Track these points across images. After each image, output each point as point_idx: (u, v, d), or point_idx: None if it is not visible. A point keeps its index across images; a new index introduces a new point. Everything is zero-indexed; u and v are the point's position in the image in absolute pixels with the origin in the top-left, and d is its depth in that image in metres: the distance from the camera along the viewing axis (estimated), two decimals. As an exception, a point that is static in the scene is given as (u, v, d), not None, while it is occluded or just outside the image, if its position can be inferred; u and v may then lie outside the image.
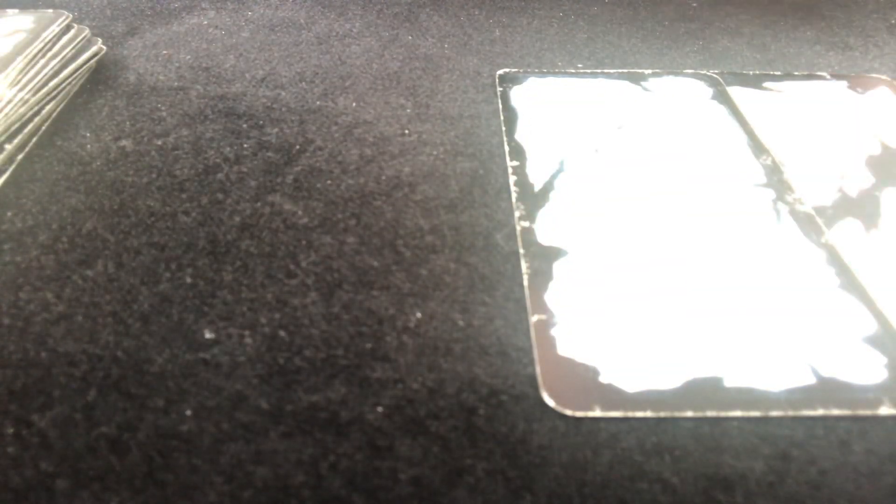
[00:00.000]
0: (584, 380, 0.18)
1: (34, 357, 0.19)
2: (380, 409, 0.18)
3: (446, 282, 0.21)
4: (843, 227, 0.23)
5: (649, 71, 0.32)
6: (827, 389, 0.18)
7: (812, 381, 0.19)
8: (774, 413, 0.18)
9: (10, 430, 0.17)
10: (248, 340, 0.19)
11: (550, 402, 0.18)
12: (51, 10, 0.31)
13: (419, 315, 0.20)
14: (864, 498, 0.16)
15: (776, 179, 0.25)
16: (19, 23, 0.30)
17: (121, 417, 0.17)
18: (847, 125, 0.29)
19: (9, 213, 0.23)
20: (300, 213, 0.23)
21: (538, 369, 0.19)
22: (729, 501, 0.16)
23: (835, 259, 0.22)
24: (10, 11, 0.31)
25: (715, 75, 0.32)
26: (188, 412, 0.18)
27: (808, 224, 0.23)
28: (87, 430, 0.17)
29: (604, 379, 0.18)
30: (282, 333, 0.20)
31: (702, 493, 0.16)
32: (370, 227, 0.23)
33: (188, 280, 0.21)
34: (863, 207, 0.24)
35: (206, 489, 0.16)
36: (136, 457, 0.17)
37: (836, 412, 0.18)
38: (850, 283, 0.21)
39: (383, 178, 0.25)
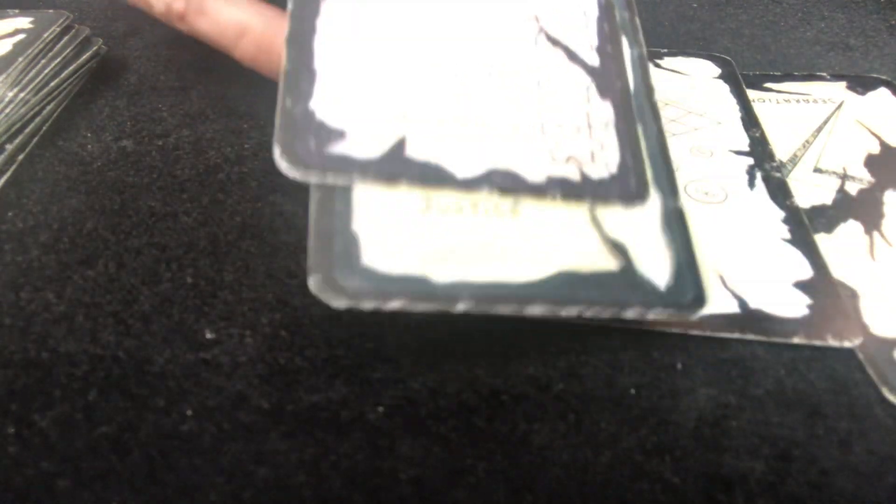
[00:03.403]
0: None
1: (35, 357, 0.19)
2: (381, 408, 0.18)
3: (447, 282, 0.21)
4: (843, 228, 0.23)
5: (664, 49, 0.33)
6: (749, 318, 0.20)
7: (737, 310, 0.20)
8: (694, 332, 0.20)
9: (11, 430, 0.17)
10: (249, 340, 0.19)
11: None
12: (51, 11, 0.31)
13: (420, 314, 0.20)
14: (865, 498, 0.16)
15: (759, 149, 0.26)
16: (19, 23, 0.30)
17: (122, 417, 0.18)
18: (847, 125, 0.29)
19: (10, 214, 0.23)
20: (301, 213, 0.23)
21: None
22: (729, 501, 0.16)
23: (793, 218, 0.23)
24: (10, 12, 0.31)
25: (726, 57, 0.32)
26: (189, 412, 0.18)
27: (778, 188, 0.24)
28: (87, 429, 0.17)
29: None
30: (283, 333, 0.20)
31: (702, 492, 0.16)
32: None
33: (189, 280, 0.21)
34: (863, 207, 0.24)
35: (207, 489, 0.16)
36: (136, 456, 0.17)
37: (750, 336, 0.20)
38: (800, 238, 0.22)
39: (384, 178, 0.25)
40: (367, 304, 0.17)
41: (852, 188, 0.25)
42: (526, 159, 0.19)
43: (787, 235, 0.23)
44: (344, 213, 0.18)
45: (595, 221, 0.19)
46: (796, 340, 0.20)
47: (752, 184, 0.25)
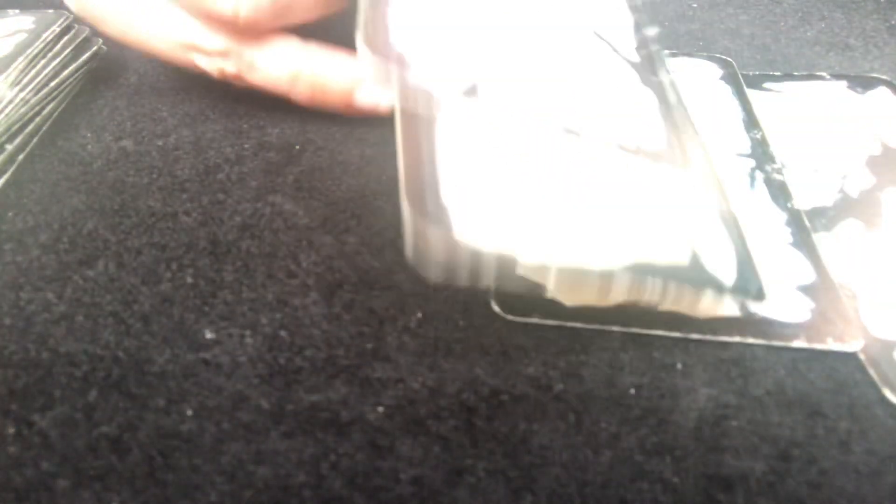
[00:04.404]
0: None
1: (35, 357, 0.19)
2: (380, 408, 0.18)
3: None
4: (844, 228, 0.24)
5: (665, 51, 0.33)
6: (749, 322, 0.20)
7: (737, 313, 0.20)
8: (694, 335, 0.20)
9: (12, 430, 0.17)
10: (249, 340, 0.19)
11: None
12: (51, 11, 0.31)
13: (420, 315, 0.20)
14: (865, 498, 0.16)
15: (760, 151, 0.26)
16: (20, 23, 0.30)
17: (122, 417, 0.18)
18: (847, 125, 0.29)
19: (10, 214, 0.23)
20: (301, 213, 0.23)
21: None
22: (729, 501, 0.16)
23: (795, 221, 0.23)
24: (10, 12, 0.31)
25: (728, 59, 0.32)
26: (189, 412, 0.18)
27: (779, 190, 0.25)
28: (87, 429, 0.17)
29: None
30: (283, 333, 0.20)
31: (702, 492, 0.16)
32: (371, 227, 0.23)
33: (189, 280, 0.21)
34: (864, 207, 0.24)
35: (207, 489, 0.16)
36: (136, 456, 0.17)
37: (750, 340, 0.20)
38: (802, 241, 0.23)
39: (384, 178, 0.25)
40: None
41: (852, 188, 0.25)
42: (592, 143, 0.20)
43: (790, 238, 0.23)
44: (433, 180, 0.18)
45: (668, 218, 0.20)
46: (797, 344, 0.20)
47: (752, 185, 0.25)
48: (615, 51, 0.22)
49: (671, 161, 0.21)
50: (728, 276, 0.20)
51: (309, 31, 0.26)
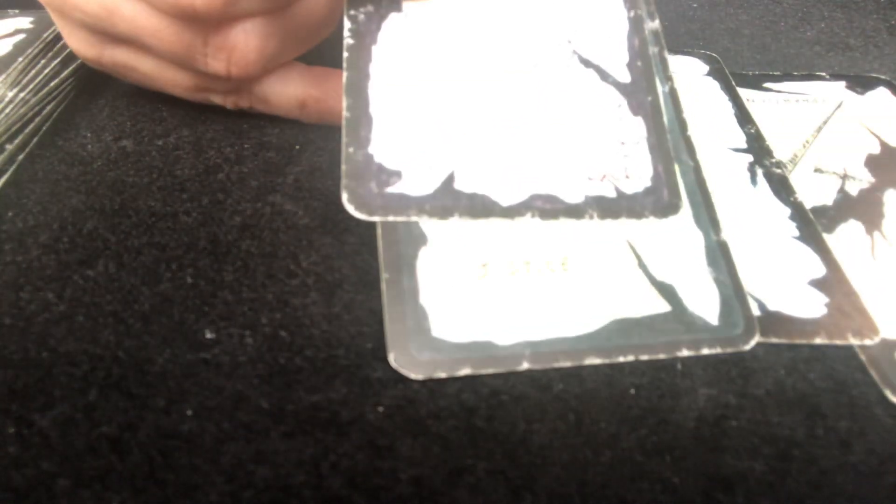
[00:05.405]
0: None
1: (35, 357, 0.19)
2: (380, 408, 0.18)
3: (447, 282, 0.21)
4: (844, 229, 0.23)
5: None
6: (769, 321, 0.20)
7: (757, 312, 0.20)
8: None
9: (12, 430, 0.17)
10: (249, 340, 0.19)
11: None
12: (51, 11, 0.31)
13: (420, 315, 0.20)
14: (865, 498, 0.16)
15: (757, 146, 0.26)
16: (19, 23, 0.30)
17: (122, 417, 0.18)
18: (847, 125, 0.29)
19: (10, 213, 0.23)
20: (301, 213, 0.23)
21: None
22: (729, 501, 0.16)
23: (799, 214, 0.23)
24: (10, 12, 0.31)
25: (713, 55, 0.32)
26: (189, 412, 0.18)
27: (781, 185, 0.24)
28: (88, 429, 0.17)
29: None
30: (282, 333, 0.20)
31: (702, 492, 0.16)
32: (371, 227, 0.23)
33: (189, 280, 0.21)
34: (864, 207, 0.24)
35: (207, 489, 0.16)
36: (136, 456, 0.17)
37: (774, 340, 0.19)
38: (808, 235, 0.23)
39: (384, 178, 0.25)
40: (441, 374, 0.18)
41: (852, 188, 0.25)
42: (564, 181, 0.20)
43: (796, 232, 0.23)
44: (412, 288, 0.19)
45: (642, 265, 0.20)
46: (819, 341, 0.20)
47: (754, 181, 0.25)
48: (603, 77, 0.22)
49: (654, 205, 0.20)
50: (712, 316, 0.20)
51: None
